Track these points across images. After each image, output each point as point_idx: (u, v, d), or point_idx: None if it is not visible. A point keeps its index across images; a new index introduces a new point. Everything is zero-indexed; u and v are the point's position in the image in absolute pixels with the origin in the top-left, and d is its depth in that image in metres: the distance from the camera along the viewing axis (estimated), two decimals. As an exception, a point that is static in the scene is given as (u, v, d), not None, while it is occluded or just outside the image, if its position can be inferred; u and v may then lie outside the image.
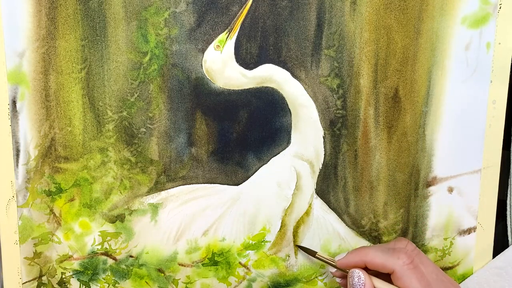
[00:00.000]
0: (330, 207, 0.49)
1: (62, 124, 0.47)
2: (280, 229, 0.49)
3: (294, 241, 0.49)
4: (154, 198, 0.48)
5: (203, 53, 0.46)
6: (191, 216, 0.49)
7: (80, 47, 0.46)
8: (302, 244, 0.49)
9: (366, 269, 0.43)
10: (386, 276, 0.42)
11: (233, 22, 0.45)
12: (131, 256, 0.50)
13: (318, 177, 0.48)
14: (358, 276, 0.42)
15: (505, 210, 0.51)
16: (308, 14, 0.45)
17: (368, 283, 0.42)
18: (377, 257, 0.42)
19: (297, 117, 0.47)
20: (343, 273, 0.45)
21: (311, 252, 0.47)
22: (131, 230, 0.49)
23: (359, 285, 0.42)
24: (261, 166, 0.48)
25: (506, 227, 0.51)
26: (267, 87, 0.46)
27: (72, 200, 0.48)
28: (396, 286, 0.41)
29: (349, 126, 0.47)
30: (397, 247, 0.42)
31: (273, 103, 0.47)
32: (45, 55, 0.46)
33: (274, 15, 0.45)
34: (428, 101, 0.47)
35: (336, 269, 0.45)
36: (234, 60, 0.46)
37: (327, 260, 0.45)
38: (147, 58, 0.46)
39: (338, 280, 0.47)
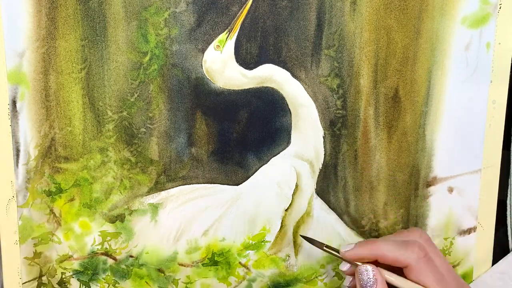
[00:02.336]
0: (330, 207, 0.49)
1: (62, 124, 0.47)
2: (280, 229, 0.49)
3: (294, 241, 0.49)
4: (154, 198, 0.48)
5: (203, 53, 0.46)
6: (191, 216, 0.49)
7: (80, 47, 0.46)
8: (303, 245, 0.49)
9: (376, 262, 0.40)
10: (397, 269, 0.40)
11: (233, 22, 0.45)
12: (131, 256, 0.50)
13: (318, 177, 0.48)
14: (368, 271, 0.39)
15: (505, 210, 0.51)
16: (308, 14, 0.45)
17: (380, 280, 0.39)
18: (390, 251, 0.39)
19: (297, 117, 0.47)
20: (353, 269, 0.41)
21: (318, 244, 0.43)
22: (131, 230, 0.49)
23: (370, 282, 0.39)
24: (261, 166, 0.48)
25: (506, 227, 0.51)
26: (267, 87, 0.46)
27: (72, 200, 0.48)
28: (410, 279, 0.39)
29: (349, 126, 0.47)
30: (410, 239, 0.40)
31: (273, 103, 0.47)
32: (45, 55, 0.46)
33: (274, 15, 0.45)
34: (428, 101, 0.47)
35: (347, 266, 0.42)
36: (234, 60, 0.46)
37: (335, 253, 0.42)
38: (147, 58, 0.46)
39: (347, 284, 0.43)
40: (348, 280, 0.43)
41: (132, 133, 0.47)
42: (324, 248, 0.43)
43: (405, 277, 0.39)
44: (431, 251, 0.39)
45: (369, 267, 0.39)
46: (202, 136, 0.47)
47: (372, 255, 0.40)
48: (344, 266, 0.42)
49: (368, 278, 0.39)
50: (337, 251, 0.42)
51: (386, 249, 0.39)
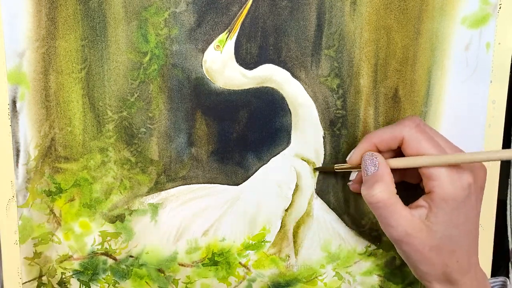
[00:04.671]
0: (330, 207, 0.49)
1: (62, 124, 0.47)
2: (280, 229, 0.49)
3: (294, 241, 0.49)
4: (154, 198, 0.48)
5: (203, 53, 0.46)
6: (191, 216, 0.49)
7: (80, 47, 0.46)
8: (303, 245, 0.49)
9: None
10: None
11: (233, 22, 0.45)
12: (131, 256, 0.50)
13: (318, 177, 0.48)
14: (370, 156, 0.41)
15: (505, 210, 0.51)
16: (308, 14, 0.45)
17: (382, 160, 0.40)
18: (384, 132, 0.41)
19: (297, 117, 0.47)
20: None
21: (329, 169, 0.47)
22: (131, 230, 0.49)
23: (372, 163, 0.41)
24: (261, 166, 0.48)
25: (506, 227, 0.51)
26: (267, 87, 0.46)
27: (72, 200, 0.48)
28: (408, 155, 0.40)
29: (349, 126, 0.47)
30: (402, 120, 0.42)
31: (273, 103, 0.47)
32: (45, 55, 0.46)
33: (274, 15, 0.45)
34: (428, 101, 0.47)
35: (354, 174, 0.44)
36: (234, 60, 0.46)
37: (347, 167, 0.44)
38: (147, 58, 0.46)
39: (351, 181, 0.45)
40: (352, 175, 0.45)
41: (132, 133, 0.47)
42: (336, 169, 0.45)
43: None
44: (424, 125, 0.41)
45: (368, 152, 0.41)
46: (202, 136, 0.47)
47: (371, 143, 0.42)
48: (353, 175, 0.45)
49: (370, 161, 0.41)
50: (347, 165, 0.44)
51: (381, 132, 0.42)
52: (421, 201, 0.40)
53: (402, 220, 0.39)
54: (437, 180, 0.39)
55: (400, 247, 0.41)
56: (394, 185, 0.40)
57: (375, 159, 0.41)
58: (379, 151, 0.42)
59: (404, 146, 0.40)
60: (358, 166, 0.43)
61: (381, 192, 0.39)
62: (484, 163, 0.48)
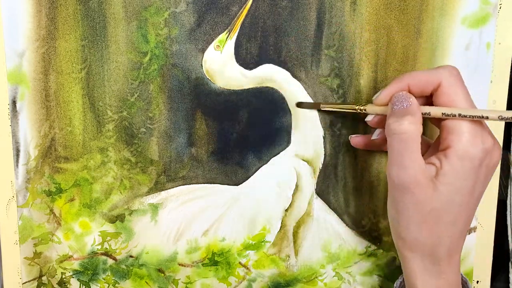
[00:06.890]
0: (330, 207, 0.49)
1: (62, 124, 0.47)
2: (280, 229, 0.49)
3: (294, 242, 0.49)
4: (154, 198, 0.48)
5: (203, 53, 0.46)
6: (191, 216, 0.49)
7: (80, 47, 0.46)
8: (303, 245, 0.49)
9: None
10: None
11: (233, 22, 0.45)
12: (131, 256, 0.50)
13: (318, 177, 0.48)
14: (404, 94, 0.37)
15: (505, 210, 0.51)
16: (308, 14, 0.45)
17: (415, 102, 0.36)
18: (421, 73, 0.37)
19: (297, 117, 0.47)
20: (380, 117, 0.40)
21: (314, 106, 0.44)
22: (131, 230, 0.49)
23: (405, 100, 0.36)
24: (261, 166, 0.48)
25: (506, 227, 0.51)
26: (267, 87, 0.46)
27: (72, 200, 0.48)
28: (440, 105, 0.37)
29: (349, 126, 0.47)
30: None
31: (273, 103, 0.47)
32: (45, 55, 0.46)
33: (274, 15, 0.45)
34: (428, 101, 0.47)
35: (372, 116, 0.41)
36: (234, 60, 0.46)
37: (337, 107, 0.42)
38: (147, 58, 0.46)
39: (376, 136, 0.42)
40: (376, 132, 0.43)
41: (132, 133, 0.47)
42: (321, 107, 0.44)
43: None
44: (461, 76, 0.38)
45: (402, 92, 0.38)
46: (202, 136, 0.47)
47: (405, 84, 0.38)
48: (370, 117, 0.41)
49: (401, 100, 0.37)
50: (340, 105, 0.43)
51: (417, 73, 0.38)
52: (433, 159, 0.36)
53: (416, 164, 0.35)
54: (458, 134, 0.35)
55: (402, 198, 0.36)
56: (422, 127, 0.37)
57: (408, 97, 0.37)
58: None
59: (438, 92, 0.37)
60: (351, 108, 0.41)
61: (410, 124, 0.36)
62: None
